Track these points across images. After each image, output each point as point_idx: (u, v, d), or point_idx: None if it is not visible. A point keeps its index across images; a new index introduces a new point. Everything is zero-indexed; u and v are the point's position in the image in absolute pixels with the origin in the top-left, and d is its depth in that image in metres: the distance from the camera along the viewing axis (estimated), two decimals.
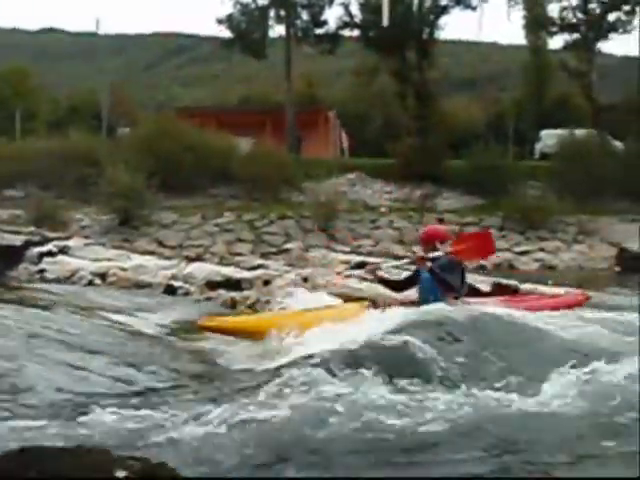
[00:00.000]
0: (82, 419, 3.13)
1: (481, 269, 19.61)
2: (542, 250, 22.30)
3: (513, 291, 9.13)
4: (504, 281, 9.21)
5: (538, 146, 31.45)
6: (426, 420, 3.19)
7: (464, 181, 25.65)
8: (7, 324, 5.75)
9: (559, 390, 3.60)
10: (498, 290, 8.65)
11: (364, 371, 3.81)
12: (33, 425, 2.98)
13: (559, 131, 28.89)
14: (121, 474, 2.27)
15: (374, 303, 6.32)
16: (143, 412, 3.25)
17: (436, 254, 6.29)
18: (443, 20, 30.39)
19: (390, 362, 4.00)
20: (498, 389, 3.70)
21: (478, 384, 3.76)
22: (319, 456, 2.84)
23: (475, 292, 8.93)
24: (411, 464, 2.82)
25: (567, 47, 32.51)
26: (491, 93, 44.48)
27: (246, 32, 32.25)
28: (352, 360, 4.05)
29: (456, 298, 6.16)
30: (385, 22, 27.46)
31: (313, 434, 3.00)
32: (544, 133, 31.23)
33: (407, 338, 4.32)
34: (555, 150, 27.63)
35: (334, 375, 3.81)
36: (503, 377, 3.89)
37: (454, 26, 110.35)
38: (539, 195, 24.69)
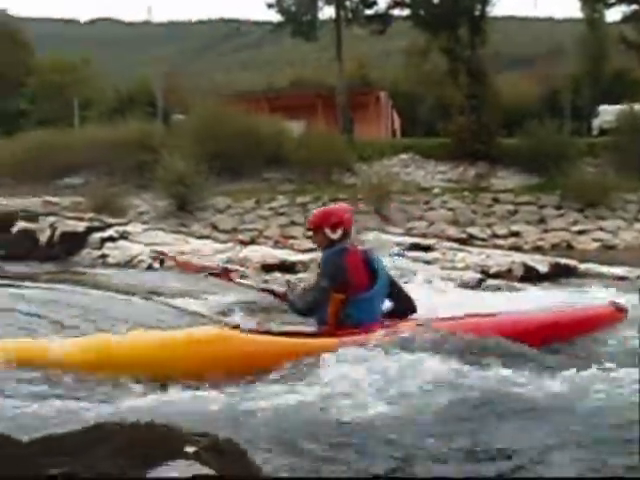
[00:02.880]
0: (151, 397, 3.25)
1: (538, 250, 19.36)
2: (601, 229, 21.75)
3: (571, 270, 8.97)
4: (563, 261, 9.05)
5: (596, 122, 30.58)
6: None
7: (519, 159, 25.18)
8: (73, 306, 5.96)
9: None
10: (557, 270, 8.53)
11: None
12: (105, 402, 3.12)
13: (617, 106, 28.03)
14: (190, 449, 2.36)
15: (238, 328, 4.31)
16: (209, 391, 3.35)
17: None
18: None
19: None
20: None
21: None
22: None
23: (533, 273, 8.84)
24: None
25: (626, 19, 31.40)
26: (546, 69, 43.35)
27: (296, 15, 32.20)
28: None
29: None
30: None
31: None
32: (602, 109, 30.32)
33: None
34: (613, 126, 26.85)
35: None
36: None
37: (508, 2, 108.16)
38: (598, 172, 24.05)
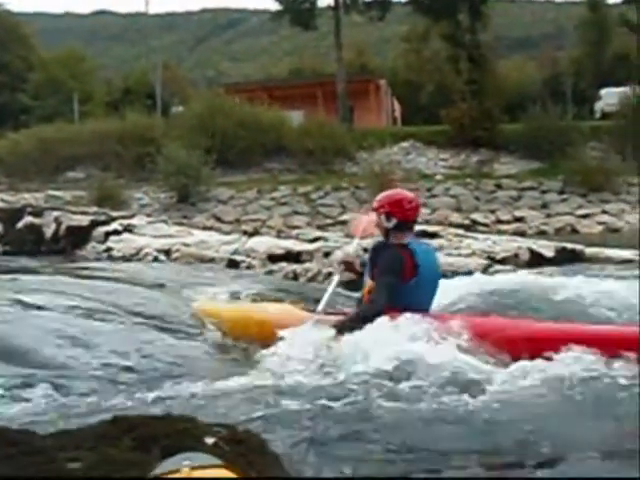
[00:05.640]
0: (168, 389, 3.26)
1: (542, 234, 19.34)
2: (605, 213, 21.72)
3: (577, 255, 8.94)
4: (569, 245, 9.01)
5: (598, 105, 30.50)
6: None
7: (522, 145, 25.13)
8: (80, 301, 5.95)
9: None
10: (563, 255, 8.50)
11: None
12: (121, 396, 3.12)
13: (620, 89, 27.92)
14: (209, 440, 2.36)
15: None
16: (226, 382, 3.35)
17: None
18: None
19: None
20: None
21: None
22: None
23: (539, 258, 8.81)
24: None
25: (627, 1, 31.20)
26: (547, 52, 43.19)
27: (295, 3, 32.02)
28: None
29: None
30: None
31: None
32: (604, 92, 30.24)
33: None
34: (616, 109, 26.76)
35: None
36: None
37: None
38: (601, 156, 23.99)
